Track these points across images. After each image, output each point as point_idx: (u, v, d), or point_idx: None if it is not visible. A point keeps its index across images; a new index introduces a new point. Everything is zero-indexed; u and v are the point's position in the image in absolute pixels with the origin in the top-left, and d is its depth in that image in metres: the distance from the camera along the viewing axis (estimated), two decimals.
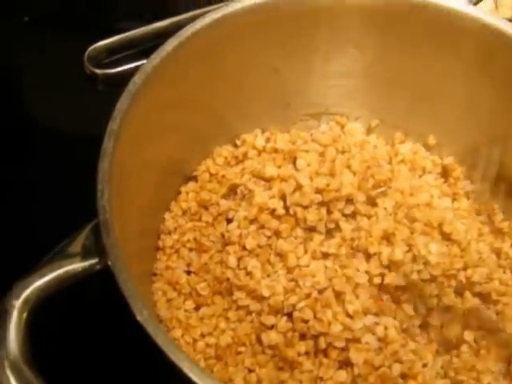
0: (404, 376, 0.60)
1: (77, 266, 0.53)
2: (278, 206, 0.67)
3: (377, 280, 0.63)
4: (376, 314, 0.62)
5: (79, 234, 0.55)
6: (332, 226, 0.67)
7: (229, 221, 0.68)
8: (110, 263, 0.51)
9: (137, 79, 0.60)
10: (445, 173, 0.74)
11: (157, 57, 0.62)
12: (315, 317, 0.61)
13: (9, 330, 0.49)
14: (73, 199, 0.70)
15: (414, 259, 0.63)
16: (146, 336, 0.47)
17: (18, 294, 0.51)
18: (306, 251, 0.66)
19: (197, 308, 0.65)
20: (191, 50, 0.64)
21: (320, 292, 0.62)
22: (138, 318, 0.48)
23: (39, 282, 0.52)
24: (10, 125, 0.84)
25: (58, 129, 0.84)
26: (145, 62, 0.62)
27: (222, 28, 0.65)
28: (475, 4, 0.74)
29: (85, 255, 0.54)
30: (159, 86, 0.62)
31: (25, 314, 0.50)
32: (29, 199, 0.77)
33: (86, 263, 0.53)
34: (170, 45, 0.63)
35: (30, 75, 0.90)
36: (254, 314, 0.63)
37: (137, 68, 0.61)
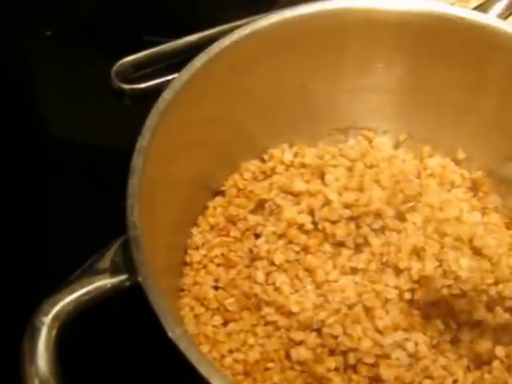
0: None
1: (106, 282, 0.53)
2: (307, 221, 0.66)
3: (407, 295, 0.63)
4: (406, 330, 0.61)
5: (108, 249, 0.54)
6: (361, 240, 0.66)
7: (257, 236, 0.68)
8: (140, 280, 0.51)
9: (166, 95, 0.60)
10: (474, 187, 0.73)
11: (185, 73, 0.62)
12: (345, 332, 0.60)
13: (38, 347, 0.49)
14: (102, 214, 0.70)
15: (444, 274, 0.63)
16: (177, 353, 0.47)
17: (47, 311, 0.51)
18: (334, 266, 0.65)
19: (225, 323, 0.64)
20: (220, 66, 0.64)
21: (349, 307, 0.62)
22: (170, 334, 0.48)
23: (68, 299, 0.52)
24: (35, 140, 0.84)
25: (85, 143, 0.84)
26: (172, 76, 0.63)
27: (250, 44, 0.65)
28: (506, 18, 0.73)
29: (114, 271, 0.53)
30: (188, 102, 0.62)
31: (54, 331, 0.50)
32: (57, 215, 0.77)
33: (116, 279, 0.53)
34: (199, 61, 0.63)
35: (53, 90, 0.90)
36: (282, 330, 0.62)
37: (164, 83, 0.62)
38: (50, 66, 0.92)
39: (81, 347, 0.62)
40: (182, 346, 0.48)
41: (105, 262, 0.54)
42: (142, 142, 0.56)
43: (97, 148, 0.83)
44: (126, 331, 0.67)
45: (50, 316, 0.50)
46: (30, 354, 0.49)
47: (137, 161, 0.55)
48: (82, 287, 0.52)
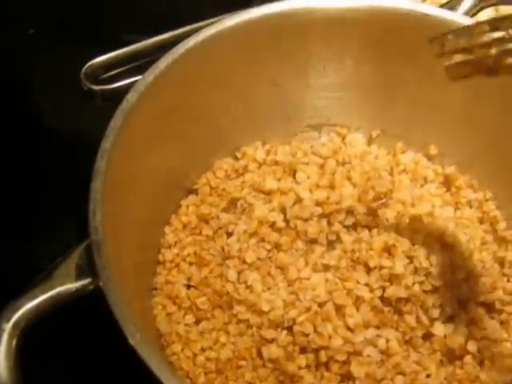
0: None
1: (69, 286, 0.52)
2: (278, 219, 0.67)
3: (378, 292, 0.63)
4: (377, 327, 0.62)
5: (72, 253, 0.54)
6: (333, 237, 0.67)
7: (229, 234, 0.68)
8: (101, 284, 0.50)
9: (130, 97, 0.60)
10: (447, 182, 0.74)
11: (150, 74, 0.61)
12: (315, 330, 0.60)
13: None
14: (70, 216, 0.70)
15: (416, 271, 0.63)
16: (139, 358, 0.47)
17: (8, 317, 0.50)
18: (306, 263, 0.66)
19: (197, 322, 0.64)
20: (185, 67, 0.64)
21: (320, 305, 0.62)
22: (131, 341, 0.47)
23: (30, 304, 0.51)
24: (15, 134, 0.84)
25: (59, 141, 0.84)
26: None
27: (217, 44, 0.65)
28: (473, 15, 0.73)
29: (78, 275, 0.52)
30: (153, 103, 0.62)
31: (15, 338, 0.49)
32: (25, 216, 0.77)
33: (79, 284, 0.52)
34: (164, 62, 0.62)
35: (37, 87, 0.90)
36: (254, 328, 0.62)
37: (135, 83, 0.61)
38: (33, 62, 0.92)
39: (44, 353, 0.61)
40: (142, 352, 0.47)
41: (69, 266, 0.53)
42: (106, 144, 0.56)
43: (73, 144, 0.83)
44: (94, 336, 0.66)
45: (11, 323, 0.50)
46: None
47: (100, 164, 0.55)
48: (44, 292, 0.52)
